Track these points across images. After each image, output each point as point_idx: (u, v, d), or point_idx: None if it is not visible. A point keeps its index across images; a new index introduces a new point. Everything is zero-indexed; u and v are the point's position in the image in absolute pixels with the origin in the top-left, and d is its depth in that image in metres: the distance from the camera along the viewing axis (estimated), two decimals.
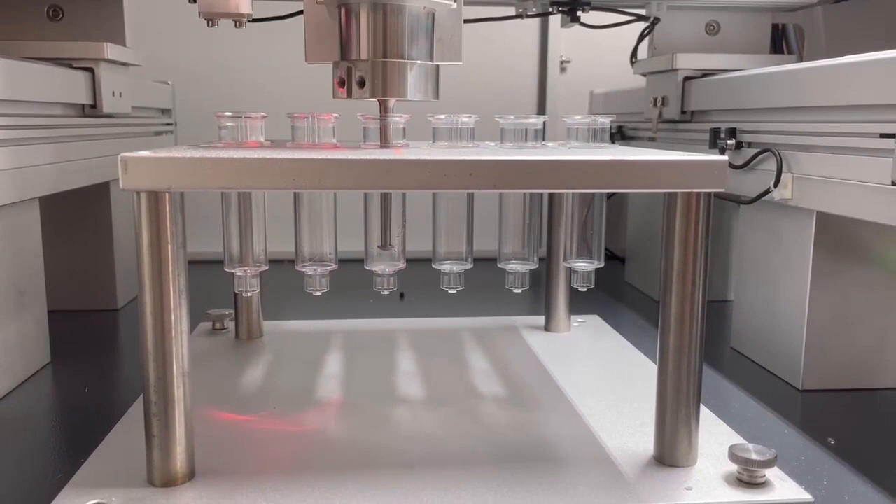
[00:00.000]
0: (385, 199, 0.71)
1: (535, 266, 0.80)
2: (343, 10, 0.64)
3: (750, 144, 0.95)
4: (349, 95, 0.64)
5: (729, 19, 1.20)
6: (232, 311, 0.97)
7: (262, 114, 0.70)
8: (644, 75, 1.27)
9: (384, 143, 0.68)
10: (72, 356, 0.96)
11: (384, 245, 0.71)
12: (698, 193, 0.57)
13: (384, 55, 0.63)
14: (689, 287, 0.58)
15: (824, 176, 0.79)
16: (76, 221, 1.16)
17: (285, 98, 1.66)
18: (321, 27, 0.69)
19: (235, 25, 0.76)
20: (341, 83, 0.64)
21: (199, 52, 1.65)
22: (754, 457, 0.57)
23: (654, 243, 1.32)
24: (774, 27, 1.23)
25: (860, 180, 0.73)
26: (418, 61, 0.64)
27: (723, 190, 0.56)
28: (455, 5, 0.68)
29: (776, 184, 0.85)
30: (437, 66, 0.66)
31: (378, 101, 0.66)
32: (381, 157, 0.54)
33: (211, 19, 0.75)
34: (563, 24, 1.23)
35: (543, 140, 0.74)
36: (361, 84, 0.63)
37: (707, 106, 1.09)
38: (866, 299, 0.84)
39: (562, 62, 1.75)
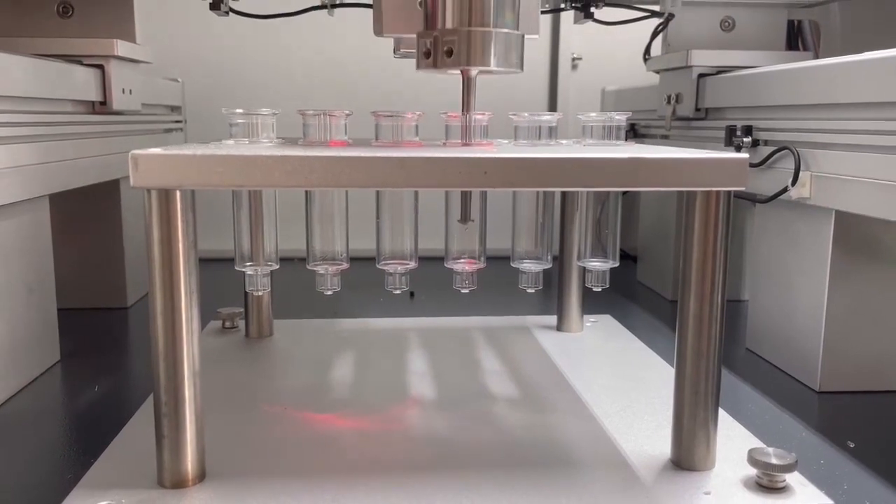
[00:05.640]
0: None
1: (548, 265, 0.79)
2: None
3: (766, 142, 0.93)
4: (435, 66, 0.62)
5: (744, 15, 1.18)
6: (242, 310, 0.96)
7: (274, 111, 0.69)
8: (657, 72, 1.25)
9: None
10: (81, 354, 0.96)
11: (464, 219, 0.70)
12: (718, 192, 0.56)
13: (470, 24, 0.61)
14: (708, 288, 0.57)
15: (843, 174, 0.78)
16: (86, 219, 1.16)
17: (296, 95, 1.65)
18: (398, 2, 0.68)
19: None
20: (427, 54, 0.62)
21: (208, 49, 1.64)
22: (774, 461, 0.56)
23: (667, 242, 1.30)
24: (790, 23, 1.22)
25: (880, 178, 0.72)
26: (504, 30, 0.62)
27: (743, 188, 0.55)
28: None
29: (794, 182, 0.84)
30: (522, 36, 0.64)
31: (461, 72, 0.64)
32: (394, 155, 0.53)
33: None
34: (576, 21, 1.22)
35: (557, 138, 0.73)
36: (450, 53, 0.61)
37: (722, 103, 1.07)
38: (886, 299, 0.83)
39: (573, 59, 1.73)
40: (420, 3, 0.65)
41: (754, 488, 0.56)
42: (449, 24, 0.61)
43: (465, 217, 0.71)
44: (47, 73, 0.91)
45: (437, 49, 0.61)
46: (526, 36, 0.66)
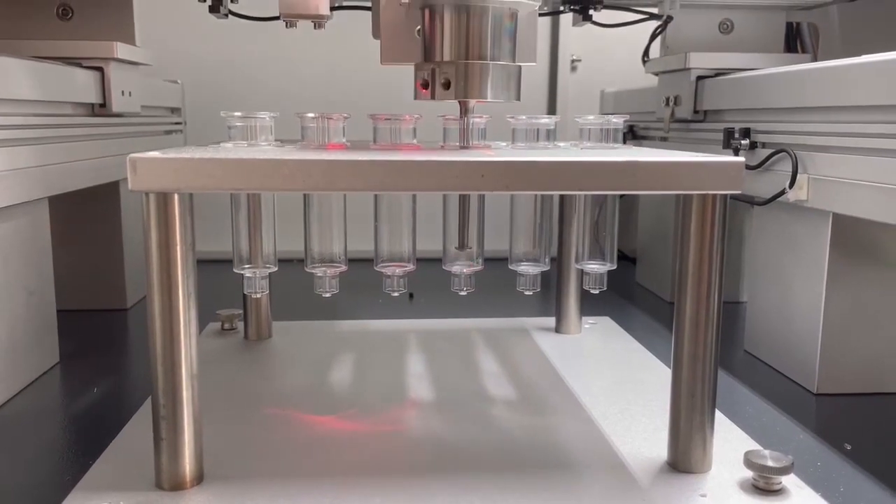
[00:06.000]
0: (463, 200, 0.71)
1: (546, 268, 0.79)
2: (427, 12, 0.63)
3: (764, 145, 0.94)
4: (433, 97, 0.63)
5: (743, 18, 1.18)
6: (241, 312, 0.97)
7: (273, 114, 0.69)
8: (656, 74, 1.26)
9: (464, 143, 0.67)
10: (81, 356, 0.96)
11: (462, 246, 0.71)
12: (714, 195, 0.56)
13: (467, 56, 0.62)
14: (705, 290, 0.57)
15: (840, 177, 0.78)
16: (85, 221, 1.16)
17: (295, 97, 1.65)
18: (397, 29, 0.68)
19: (315, 27, 0.77)
20: (424, 85, 0.63)
21: (208, 51, 1.64)
22: (770, 463, 0.56)
23: (666, 244, 1.31)
24: (789, 26, 1.22)
25: (877, 182, 0.72)
26: (501, 62, 0.63)
27: (739, 192, 0.55)
28: (538, 5, 0.67)
29: (791, 185, 0.84)
30: (520, 67, 0.65)
31: (459, 102, 0.65)
32: (392, 159, 0.53)
33: (290, 20, 0.75)
34: (574, 23, 1.22)
35: (555, 140, 0.73)
36: (447, 86, 0.61)
37: (720, 105, 1.08)
38: (883, 302, 0.83)
39: (572, 61, 1.74)
40: (418, 32, 0.66)
41: (750, 490, 0.57)
42: (446, 57, 0.62)
43: (462, 244, 0.72)
44: (47, 75, 0.92)
45: (434, 81, 0.62)
46: (523, 64, 0.66)
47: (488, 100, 0.62)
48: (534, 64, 0.71)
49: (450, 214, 0.75)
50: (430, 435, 0.67)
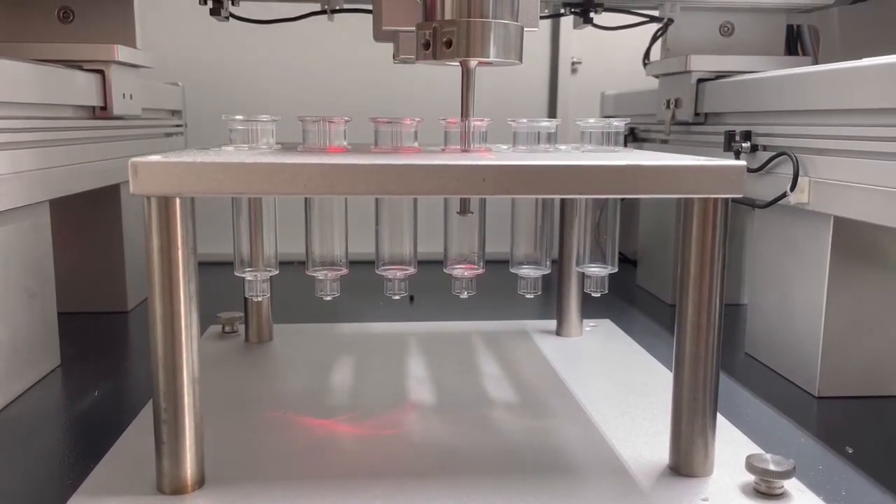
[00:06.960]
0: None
1: (547, 271, 0.79)
2: None
3: (765, 147, 0.94)
4: (435, 57, 0.62)
5: (743, 20, 1.18)
6: (242, 314, 0.97)
7: (274, 117, 0.69)
8: (657, 77, 1.26)
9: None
10: (82, 359, 0.96)
11: (463, 211, 0.70)
12: (715, 199, 0.56)
13: (469, 14, 0.60)
14: (706, 294, 0.57)
15: (842, 180, 0.78)
16: (86, 223, 1.16)
17: (296, 100, 1.66)
18: None
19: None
20: (426, 45, 0.62)
21: (209, 53, 1.65)
22: (772, 467, 0.56)
23: (667, 246, 1.31)
24: (789, 28, 1.22)
25: (878, 185, 0.72)
26: (503, 21, 0.61)
27: (740, 195, 0.55)
28: None
29: (792, 188, 0.84)
30: (522, 28, 0.63)
31: (460, 63, 0.64)
32: (393, 163, 0.53)
33: None
34: (575, 26, 1.22)
35: (556, 143, 0.73)
36: (449, 45, 0.60)
37: (721, 108, 1.08)
38: (884, 305, 0.83)
39: (573, 63, 1.74)
40: None
41: (752, 495, 0.57)
42: (448, 16, 0.61)
43: (464, 209, 0.70)
44: (48, 78, 0.92)
45: (436, 40, 0.61)
46: (525, 29, 0.65)
47: (490, 59, 0.61)
48: (536, 29, 0.70)
49: (451, 216, 0.75)
50: (430, 438, 0.67)
